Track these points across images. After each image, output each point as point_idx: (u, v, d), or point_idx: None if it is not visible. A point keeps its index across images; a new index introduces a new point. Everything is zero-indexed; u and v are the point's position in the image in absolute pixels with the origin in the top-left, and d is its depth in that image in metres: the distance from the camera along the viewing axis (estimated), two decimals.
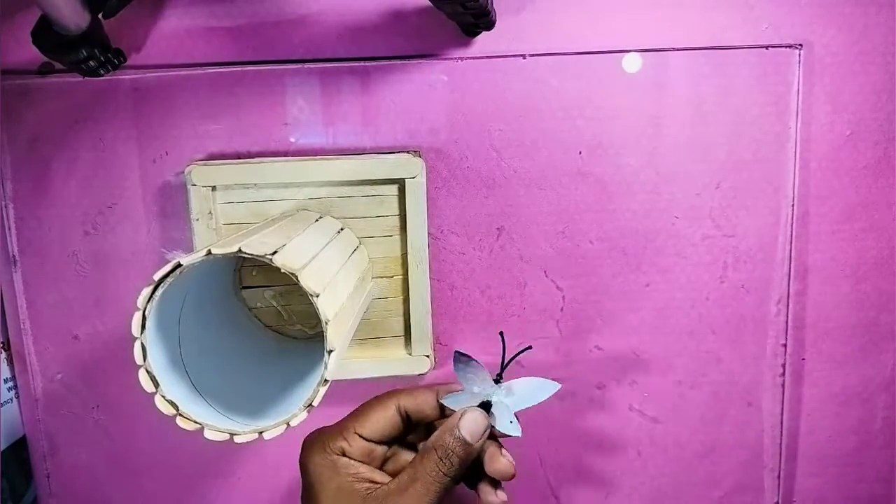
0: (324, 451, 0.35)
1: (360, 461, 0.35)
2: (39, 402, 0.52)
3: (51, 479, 0.53)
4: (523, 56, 0.49)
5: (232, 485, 0.54)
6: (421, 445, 0.36)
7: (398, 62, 0.49)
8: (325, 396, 0.33)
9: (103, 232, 0.50)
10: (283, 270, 0.32)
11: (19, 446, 0.53)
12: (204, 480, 0.54)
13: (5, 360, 0.52)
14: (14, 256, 0.50)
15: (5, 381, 0.51)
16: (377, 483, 0.34)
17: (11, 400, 0.52)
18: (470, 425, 0.35)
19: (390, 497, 0.33)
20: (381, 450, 0.37)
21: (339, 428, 0.36)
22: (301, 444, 0.36)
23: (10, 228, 0.50)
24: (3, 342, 0.52)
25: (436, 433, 0.35)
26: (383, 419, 0.37)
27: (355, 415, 0.37)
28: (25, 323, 0.51)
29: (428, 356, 0.49)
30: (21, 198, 0.50)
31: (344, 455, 0.35)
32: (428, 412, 0.38)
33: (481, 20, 0.46)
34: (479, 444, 0.35)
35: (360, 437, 0.36)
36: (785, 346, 0.52)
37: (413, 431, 0.39)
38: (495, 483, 0.36)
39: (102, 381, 0.52)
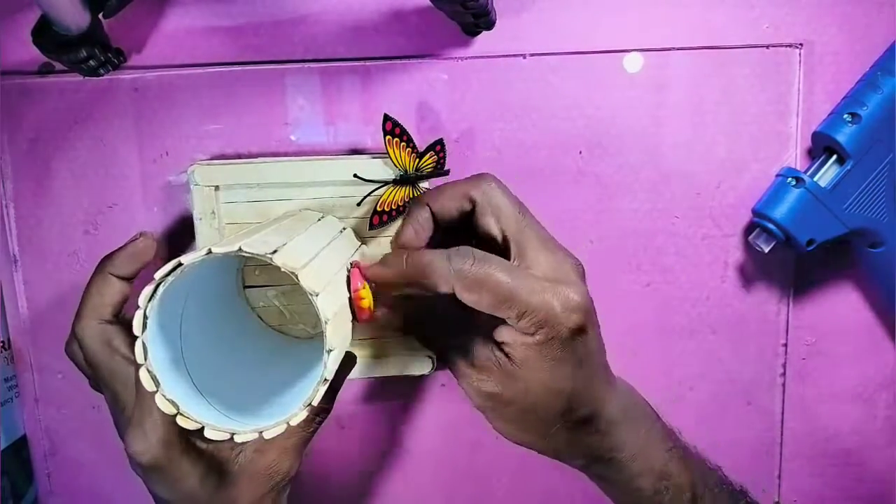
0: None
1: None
2: (40, 402, 0.52)
3: (51, 478, 0.54)
4: (523, 56, 0.49)
5: None
6: None
7: (398, 62, 0.49)
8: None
9: (104, 231, 0.50)
10: (283, 269, 0.32)
11: (20, 445, 0.53)
12: None
13: (5, 360, 0.52)
14: (14, 256, 0.50)
15: (6, 379, 0.51)
16: None
17: (12, 399, 0.52)
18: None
19: None
20: None
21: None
22: None
23: (10, 228, 0.50)
24: (3, 341, 0.52)
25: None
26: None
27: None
28: (26, 322, 0.51)
29: (430, 356, 0.49)
30: (21, 197, 0.50)
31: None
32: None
33: (481, 20, 0.46)
34: None
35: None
36: (785, 346, 0.53)
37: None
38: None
39: None
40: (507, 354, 0.37)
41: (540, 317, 0.35)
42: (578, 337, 0.37)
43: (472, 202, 0.40)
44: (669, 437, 0.42)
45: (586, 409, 0.38)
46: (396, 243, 0.43)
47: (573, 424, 0.38)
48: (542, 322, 0.36)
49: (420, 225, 0.41)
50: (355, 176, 0.45)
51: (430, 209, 0.41)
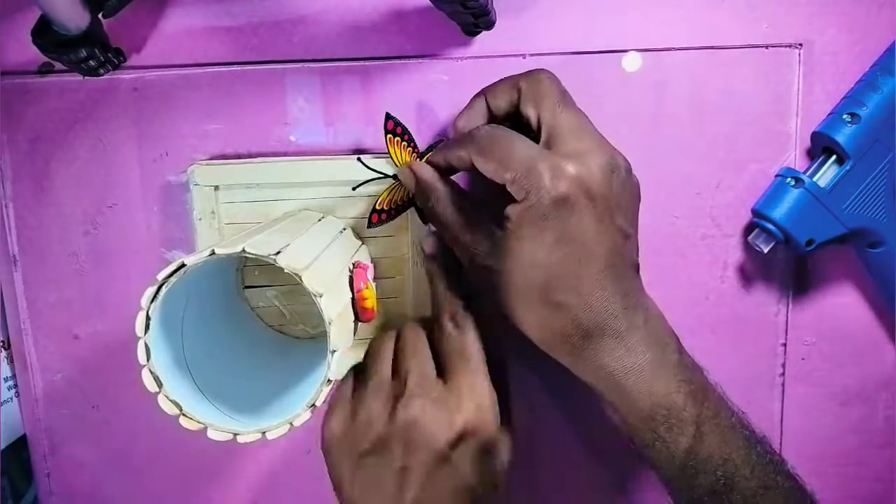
0: None
1: None
2: (39, 402, 0.52)
3: (51, 477, 0.53)
4: (523, 56, 0.49)
5: (233, 485, 0.54)
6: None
7: (398, 62, 0.49)
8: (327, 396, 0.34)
9: (104, 231, 0.50)
10: (286, 271, 0.32)
11: (19, 445, 0.53)
12: (205, 480, 0.54)
13: (5, 359, 0.52)
14: (14, 256, 0.50)
15: (5, 379, 0.51)
16: None
17: (11, 399, 0.52)
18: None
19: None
20: None
21: None
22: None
23: (10, 228, 0.50)
24: (3, 341, 0.52)
25: None
26: None
27: None
28: (25, 322, 0.51)
29: None
30: (21, 198, 0.50)
31: None
32: None
33: (481, 20, 0.46)
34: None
35: None
36: (784, 346, 0.53)
37: None
38: None
39: (103, 380, 0.52)
40: (503, 227, 0.38)
41: (527, 181, 0.36)
42: (562, 209, 0.36)
43: (520, 91, 0.40)
44: (684, 371, 0.40)
45: (564, 295, 0.37)
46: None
47: (554, 306, 0.37)
48: (529, 186, 0.36)
49: (474, 112, 0.42)
50: (358, 160, 0.45)
51: (486, 99, 0.42)
